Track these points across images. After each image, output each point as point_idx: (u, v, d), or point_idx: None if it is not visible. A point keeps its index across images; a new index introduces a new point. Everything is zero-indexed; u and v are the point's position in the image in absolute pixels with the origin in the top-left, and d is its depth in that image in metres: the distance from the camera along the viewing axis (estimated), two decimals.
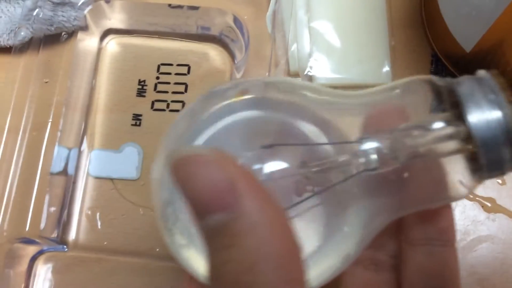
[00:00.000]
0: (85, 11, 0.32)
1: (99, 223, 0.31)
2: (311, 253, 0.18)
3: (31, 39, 0.31)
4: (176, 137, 0.19)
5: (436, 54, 0.34)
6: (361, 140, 0.17)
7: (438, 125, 0.16)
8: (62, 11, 0.32)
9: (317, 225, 0.18)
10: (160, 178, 0.18)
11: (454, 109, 0.16)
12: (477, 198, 0.33)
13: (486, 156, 0.16)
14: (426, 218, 0.19)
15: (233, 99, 0.18)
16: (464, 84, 0.17)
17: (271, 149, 0.17)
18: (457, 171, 0.17)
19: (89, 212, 0.31)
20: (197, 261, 0.18)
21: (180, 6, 0.32)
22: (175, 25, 0.33)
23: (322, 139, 0.18)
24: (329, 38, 0.33)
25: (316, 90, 0.19)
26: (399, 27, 0.35)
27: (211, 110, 0.18)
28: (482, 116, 0.16)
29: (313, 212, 0.18)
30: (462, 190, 0.17)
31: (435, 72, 0.34)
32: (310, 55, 0.33)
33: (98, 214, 0.31)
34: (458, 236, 0.32)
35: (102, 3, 0.32)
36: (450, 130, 0.16)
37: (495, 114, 0.16)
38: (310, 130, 0.19)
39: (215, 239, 0.14)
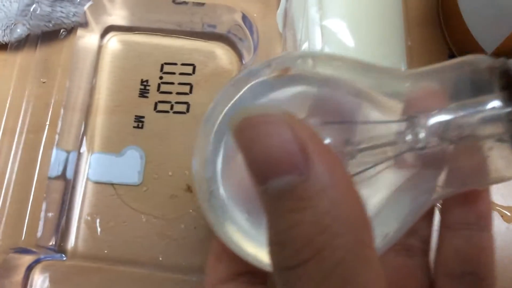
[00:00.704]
0: (85, 7, 0.30)
1: (99, 231, 0.29)
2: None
3: (28, 36, 0.30)
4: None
5: (454, 54, 0.33)
6: (409, 118, 0.17)
7: (487, 106, 0.16)
8: (61, 7, 0.31)
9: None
10: (203, 166, 0.17)
11: (505, 91, 0.16)
12: (496, 208, 0.31)
13: None
14: (465, 202, 0.19)
15: (273, 76, 0.17)
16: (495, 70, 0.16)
17: (321, 126, 0.17)
18: (504, 155, 0.16)
19: (89, 219, 0.29)
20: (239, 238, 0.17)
21: (185, 2, 0.30)
22: (179, 22, 0.32)
23: (371, 115, 0.18)
24: (342, 37, 0.31)
25: (360, 64, 0.19)
26: (415, 26, 0.33)
27: (250, 90, 0.17)
28: None
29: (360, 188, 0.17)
30: (508, 173, 0.17)
31: None
32: None
33: (98, 221, 0.29)
34: None
35: None
36: (498, 111, 0.16)
37: None
38: (354, 106, 0.18)
39: (283, 203, 0.13)
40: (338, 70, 0.18)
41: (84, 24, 0.31)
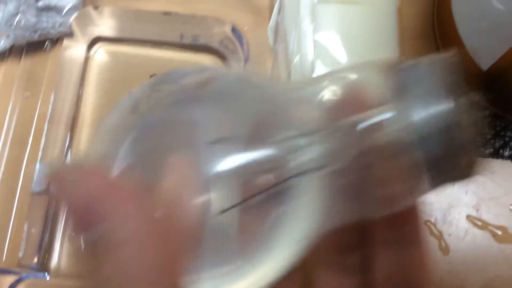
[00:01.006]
0: (71, 18, 0.29)
1: (83, 248, 0.28)
2: (253, 254, 0.16)
3: (12, 47, 0.29)
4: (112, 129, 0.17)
5: None
6: (305, 135, 0.15)
7: (382, 117, 0.14)
8: (47, 17, 0.30)
9: (263, 225, 0.16)
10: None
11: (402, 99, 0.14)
12: (488, 227, 0.31)
13: (428, 156, 0.13)
14: (389, 219, 0.18)
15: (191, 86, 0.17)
16: (413, 70, 0.14)
17: (221, 144, 0.16)
18: (412, 169, 0.14)
19: (73, 235, 0.29)
20: None
21: (175, 14, 0.30)
22: (169, 34, 0.31)
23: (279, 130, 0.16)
24: (334, 51, 0.30)
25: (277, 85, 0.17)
26: (409, 38, 0.33)
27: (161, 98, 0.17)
28: (424, 110, 0.13)
29: (258, 212, 0.16)
30: (420, 190, 0.15)
31: None
32: (314, 69, 0.30)
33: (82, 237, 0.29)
34: (470, 266, 0.30)
35: (90, 9, 0.29)
36: (392, 123, 0.14)
37: (439, 107, 0.13)
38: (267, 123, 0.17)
39: (91, 255, 0.13)
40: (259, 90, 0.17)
41: (70, 35, 0.30)
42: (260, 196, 0.15)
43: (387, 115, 0.14)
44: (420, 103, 0.13)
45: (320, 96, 0.16)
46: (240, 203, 0.15)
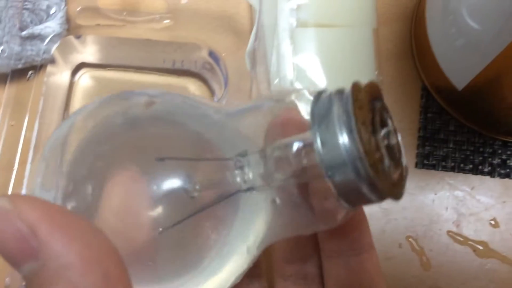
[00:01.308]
0: (53, 48, 0.30)
1: None
2: (199, 269, 0.17)
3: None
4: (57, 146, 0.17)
5: (427, 88, 0.33)
6: (238, 157, 0.16)
7: (295, 147, 0.15)
8: (31, 45, 0.30)
9: (203, 242, 0.17)
10: None
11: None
12: (469, 242, 0.31)
13: (335, 184, 0.14)
14: (334, 230, 0.18)
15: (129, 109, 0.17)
16: (321, 101, 0.15)
17: (161, 164, 0.16)
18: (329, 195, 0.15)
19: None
20: None
21: (156, 41, 0.30)
22: (151, 59, 0.32)
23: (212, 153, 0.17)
24: (313, 73, 0.31)
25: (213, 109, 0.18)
26: (387, 58, 0.33)
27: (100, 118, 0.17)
28: (330, 140, 0.14)
29: (196, 230, 0.17)
30: (339, 215, 0.16)
31: (425, 107, 0.33)
32: (293, 90, 0.31)
33: None
34: (451, 282, 0.31)
35: (72, 38, 0.30)
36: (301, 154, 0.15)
37: (342, 139, 0.14)
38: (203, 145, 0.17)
39: None
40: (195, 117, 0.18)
41: (52, 61, 0.31)
42: (205, 210, 0.16)
43: (300, 142, 0.15)
44: (325, 133, 0.14)
45: (260, 117, 0.17)
46: (185, 218, 0.16)
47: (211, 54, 0.30)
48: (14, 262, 0.13)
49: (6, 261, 0.13)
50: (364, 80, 0.32)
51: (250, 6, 0.34)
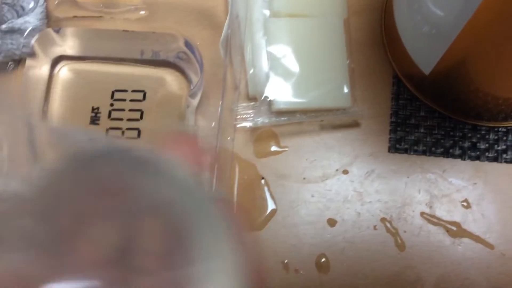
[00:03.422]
0: (33, 40, 0.31)
1: None
2: None
3: None
4: None
5: (397, 75, 0.34)
6: None
7: None
8: (11, 39, 0.31)
9: None
10: None
11: None
12: (441, 222, 0.32)
13: None
14: None
15: None
16: None
17: None
18: None
19: None
20: None
21: (133, 32, 0.31)
22: (129, 50, 0.32)
23: None
24: (286, 62, 0.32)
25: None
26: (359, 47, 0.34)
27: None
28: None
29: None
30: None
31: (396, 94, 0.34)
32: (268, 79, 0.32)
33: None
34: (425, 261, 0.31)
35: (51, 31, 0.31)
36: None
37: None
38: None
39: None
40: None
41: (33, 55, 0.32)
42: None
43: None
44: None
45: None
46: None
47: (187, 43, 0.31)
48: None
49: None
50: (337, 68, 0.33)
51: (226, 0, 0.35)
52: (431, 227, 0.32)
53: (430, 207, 0.32)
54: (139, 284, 0.14)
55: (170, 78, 0.33)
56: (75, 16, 0.31)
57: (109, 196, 0.15)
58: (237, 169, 0.33)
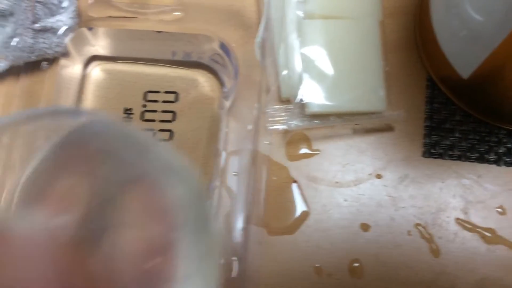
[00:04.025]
0: (66, 39, 0.30)
1: None
2: None
3: (9, 68, 0.30)
4: None
5: (432, 78, 0.33)
6: None
7: None
8: (43, 38, 0.31)
9: None
10: None
11: None
12: (476, 229, 0.32)
13: None
14: None
15: None
16: None
17: None
18: None
19: None
20: None
21: (166, 33, 0.31)
22: (161, 51, 0.32)
23: None
24: (321, 64, 0.32)
25: None
26: (393, 50, 0.34)
27: None
28: None
29: None
30: None
31: (431, 97, 0.33)
32: (301, 81, 0.32)
33: None
34: (460, 268, 0.31)
35: (85, 30, 0.31)
36: None
37: None
38: None
39: None
40: None
41: (67, 54, 0.31)
42: None
43: None
44: None
45: None
46: None
47: (222, 46, 0.30)
48: None
49: None
50: (372, 71, 0.33)
51: (257, 0, 0.35)
52: (466, 233, 0.32)
53: (465, 213, 0.32)
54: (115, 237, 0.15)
55: (203, 80, 0.33)
56: (109, 16, 0.30)
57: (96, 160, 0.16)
58: (268, 172, 0.32)
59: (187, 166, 0.17)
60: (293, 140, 0.33)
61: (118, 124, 0.18)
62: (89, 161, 0.16)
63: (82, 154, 0.17)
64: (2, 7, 0.30)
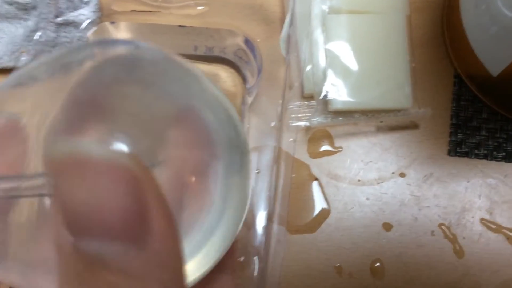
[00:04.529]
0: (89, 32, 0.30)
1: None
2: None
3: (32, 61, 0.30)
4: None
5: (459, 75, 0.32)
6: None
7: None
8: (65, 32, 0.31)
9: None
10: None
11: None
12: (502, 230, 0.31)
13: None
14: None
15: None
16: None
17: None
18: None
19: None
20: None
21: (189, 27, 0.30)
22: (183, 46, 0.32)
23: None
24: (345, 60, 0.31)
25: None
26: (419, 46, 0.33)
27: None
28: None
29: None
30: None
31: (458, 95, 0.32)
32: (326, 77, 0.31)
33: None
34: (484, 269, 0.30)
35: (107, 24, 0.30)
36: None
37: None
38: None
39: (95, 270, 0.10)
40: None
41: None
42: None
43: None
44: None
45: None
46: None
47: (247, 41, 0.30)
48: (99, 231, 0.11)
49: (85, 218, 0.11)
50: (398, 67, 0.32)
51: None
52: (491, 234, 0.31)
53: (490, 213, 0.31)
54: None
55: (224, 75, 0.32)
56: (133, 11, 0.30)
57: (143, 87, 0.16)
58: (290, 169, 0.32)
59: (228, 101, 0.17)
60: (315, 137, 0.33)
61: (165, 53, 0.17)
62: (135, 91, 0.16)
63: (128, 80, 0.16)
64: (25, 1, 0.30)
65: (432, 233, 0.31)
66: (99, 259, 0.11)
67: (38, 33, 0.30)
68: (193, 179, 0.17)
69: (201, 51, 0.32)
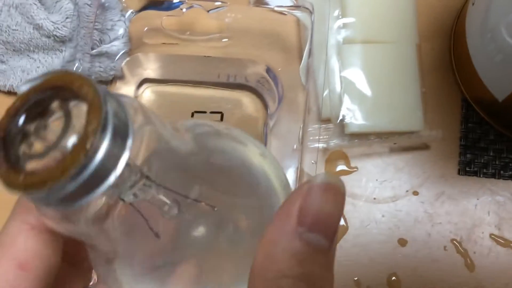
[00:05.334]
0: (123, 63, 0.32)
1: None
2: None
3: None
4: None
5: (467, 99, 0.35)
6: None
7: None
8: (99, 62, 0.33)
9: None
10: None
11: None
12: (510, 244, 0.33)
13: None
14: None
15: None
16: None
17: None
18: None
19: None
20: None
21: (213, 57, 0.33)
22: (207, 74, 0.34)
23: None
24: (360, 86, 0.33)
25: None
26: (429, 72, 0.35)
27: None
28: None
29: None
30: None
31: (466, 117, 0.35)
32: (342, 102, 0.33)
33: None
34: (495, 282, 0.32)
35: (140, 55, 0.33)
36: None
37: None
38: None
39: (312, 254, 0.15)
40: None
41: (121, 77, 0.33)
42: None
43: None
44: None
45: None
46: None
47: (269, 71, 0.32)
48: (320, 227, 0.15)
49: (313, 217, 0.15)
50: (409, 92, 0.34)
51: (297, 25, 0.36)
52: (500, 248, 0.33)
53: (499, 228, 0.33)
54: None
55: (247, 100, 0.34)
56: (163, 43, 0.32)
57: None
58: None
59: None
60: (331, 157, 0.35)
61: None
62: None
63: None
64: (62, 34, 0.32)
65: (445, 248, 0.33)
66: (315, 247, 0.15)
67: (76, 64, 0.32)
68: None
69: (223, 79, 0.34)
